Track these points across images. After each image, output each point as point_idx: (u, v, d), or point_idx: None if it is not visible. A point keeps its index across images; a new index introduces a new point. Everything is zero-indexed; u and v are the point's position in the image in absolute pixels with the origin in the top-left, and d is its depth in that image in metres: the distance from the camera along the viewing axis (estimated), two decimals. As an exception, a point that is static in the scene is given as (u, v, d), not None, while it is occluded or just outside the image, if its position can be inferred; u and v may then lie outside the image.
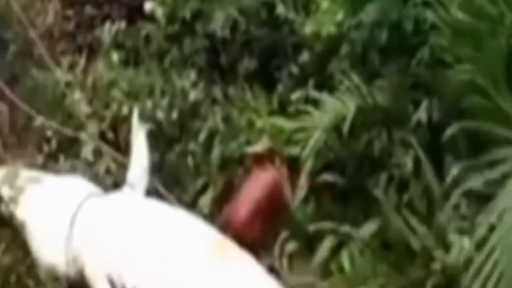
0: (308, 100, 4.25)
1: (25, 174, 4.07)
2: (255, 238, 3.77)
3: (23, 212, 3.94)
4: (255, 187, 4.01)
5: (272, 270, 3.66)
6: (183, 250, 3.39)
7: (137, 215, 3.66)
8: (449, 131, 3.58)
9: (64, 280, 3.73)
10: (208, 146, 4.48)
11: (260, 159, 4.12)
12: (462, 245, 3.15)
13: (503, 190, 3.16)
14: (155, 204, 3.78)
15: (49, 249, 3.78)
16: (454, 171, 3.49)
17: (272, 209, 3.92)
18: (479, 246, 3.08)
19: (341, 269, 3.60)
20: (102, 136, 4.67)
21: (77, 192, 3.90)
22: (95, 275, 3.56)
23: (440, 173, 3.59)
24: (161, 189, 4.16)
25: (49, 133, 4.72)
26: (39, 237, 3.83)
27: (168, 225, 3.55)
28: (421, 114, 3.84)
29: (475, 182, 3.33)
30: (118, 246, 3.53)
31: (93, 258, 3.58)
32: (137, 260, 3.45)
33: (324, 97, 4.12)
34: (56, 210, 3.83)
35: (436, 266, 3.22)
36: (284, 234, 3.87)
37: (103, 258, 3.53)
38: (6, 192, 4.00)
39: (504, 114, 3.45)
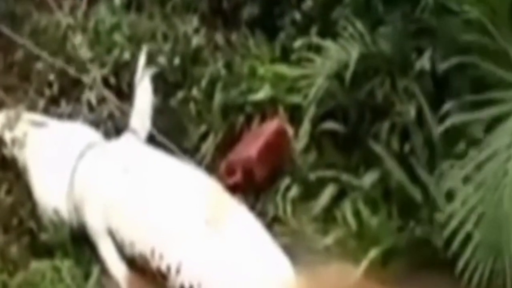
0: (311, 47, 4.16)
1: (27, 117, 4.01)
2: (264, 176, 3.80)
3: (25, 155, 3.90)
4: (262, 130, 4.01)
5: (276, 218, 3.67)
6: (183, 214, 3.34)
7: (138, 166, 3.60)
8: (447, 64, 3.49)
9: (67, 226, 3.71)
10: (210, 92, 4.40)
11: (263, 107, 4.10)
12: (467, 193, 3.07)
13: (496, 131, 3.11)
14: (155, 154, 3.72)
15: (51, 195, 3.76)
16: (448, 105, 3.41)
17: (278, 151, 3.91)
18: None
19: (344, 219, 3.56)
20: (104, 81, 4.59)
21: (79, 139, 3.86)
22: (96, 228, 3.55)
23: (442, 122, 3.53)
24: (161, 137, 4.08)
25: (51, 76, 4.64)
26: (41, 182, 3.81)
27: (169, 182, 3.50)
28: (424, 62, 3.76)
29: (468, 117, 3.25)
30: (117, 197, 3.49)
31: (93, 210, 3.55)
32: (134, 212, 3.42)
33: (327, 44, 4.03)
34: (58, 156, 3.79)
35: (440, 216, 3.17)
36: (286, 181, 3.84)
37: (103, 211, 3.50)
38: (8, 135, 3.95)
39: (505, 55, 3.36)
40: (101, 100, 4.50)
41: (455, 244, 3.00)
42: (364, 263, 3.31)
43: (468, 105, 3.44)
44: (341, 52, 3.90)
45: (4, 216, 3.85)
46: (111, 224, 3.47)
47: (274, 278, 3.20)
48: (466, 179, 3.12)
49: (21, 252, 3.72)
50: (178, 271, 3.24)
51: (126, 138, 3.88)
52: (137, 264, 3.44)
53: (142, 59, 4.09)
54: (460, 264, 2.99)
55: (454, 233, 3.03)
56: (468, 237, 3.01)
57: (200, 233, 3.27)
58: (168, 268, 3.26)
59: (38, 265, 3.63)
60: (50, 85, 4.64)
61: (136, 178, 3.53)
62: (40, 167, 3.84)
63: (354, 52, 3.82)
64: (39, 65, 4.71)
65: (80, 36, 4.76)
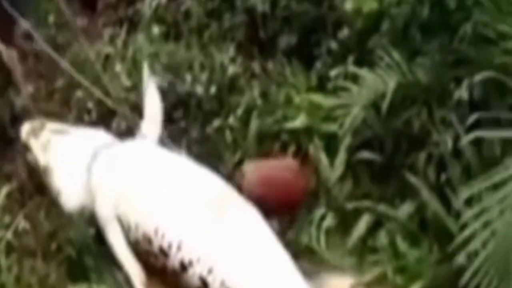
0: (347, 76, 4.15)
1: (50, 126, 4.24)
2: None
3: (47, 159, 4.10)
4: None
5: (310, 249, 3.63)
6: (186, 199, 3.56)
7: (146, 161, 3.83)
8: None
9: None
10: (245, 120, 4.40)
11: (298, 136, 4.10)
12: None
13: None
14: (165, 153, 3.95)
15: (70, 192, 3.95)
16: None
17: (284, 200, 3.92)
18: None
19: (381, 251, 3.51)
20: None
21: (95, 140, 4.09)
22: (106, 216, 3.75)
23: (480, 152, 3.47)
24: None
25: (90, 104, 4.70)
26: (62, 181, 4.00)
27: (175, 173, 3.74)
28: (463, 92, 3.71)
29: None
30: (127, 188, 3.72)
31: (104, 200, 3.77)
32: (141, 199, 3.65)
33: (364, 73, 4.00)
34: (76, 156, 4.02)
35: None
36: (321, 211, 3.80)
37: (113, 200, 3.73)
38: (33, 141, 4.17)
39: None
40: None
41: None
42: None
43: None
44: (377, 82, 3.87)
45: (43, 241, 3.89)
46: (120, 210, 3.70)
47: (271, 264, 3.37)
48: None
49: (59, 278, 3.75)
50: (179, 248, 3.45)
51: (137, 140, 4.11)
52: (140, 250, 3.63)
53: (145, 69, 4.27)
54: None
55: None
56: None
57: (201, 215, 3.48)
58: (170, 246, 3.47)
59: (74, 289, 3.65)
60: (89, 112, 4.70)
61: (145, 171, 3.77)
62: (61, 167, 4.05)
63: (391, 82, 3.80)
64: (79, 93, 4.78)
65: (119, 64, 4.83)
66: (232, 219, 3.48)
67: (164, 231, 3.51)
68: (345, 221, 3.72)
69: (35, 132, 4.18)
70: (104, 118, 4.65)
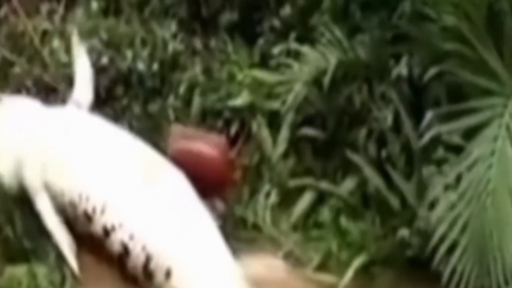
0: (289, 53, 4.13)
1: None
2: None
3: None
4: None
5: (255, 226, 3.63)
6: (112, 163, 3.59)
7: (73, 127, 3.80)
8: (428, 74, 3.47)
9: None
10: (188, 98, 4.35)
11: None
12: (450, 200, 3.04)
13: (477, 140, 3.09)
14: (95, 119, 3.90)
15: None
16: (428, 115, 3.40)
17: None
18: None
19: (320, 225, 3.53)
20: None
21: (24, 108, 4.01)
22: (34, 184, 3.71)
23: (419, 128, 3.51)
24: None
25: (28, 82, 4.56)
26: None
27: (101, 138, 3.73)
28: (402, 69, 3.74)
29: (449, 127, 3.24)
30: (54, 154, 3.70)
31: (31, 168, 3.73)
32: (68, 164, 3.65)
33: (305, 50, 3.99)
34: (3, 125, 3.95)
35: (420, 224, 3.12)
36: (265, 188, 3.79)
37: (40, 167, 3.70)
38: None
39: (483, 63, 3.35)
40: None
41: (441, 252, 2.96)
42: (350, 272, 3.25)
43: (446, 114, 3.42)
44: (319, 59, 3.87)
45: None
46: (47, 178, 3.68)
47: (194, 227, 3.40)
48: (448, 187, 3.09)
49: (-4, 258, 3.66)
50: (102, 212, 3.47)
51: (68, 106, 4.04)
52: (67, 217, 3.63)
53: (75, 37, 4.25)
54: (447, 272, 2.95)
55: (441, 240, 2.99)
56: (454, 245, 2.97)
57: (126, 178, 3.51)
58: (94, 210, 3.49)
59: (13, 271, 3.55)
60: (27, 90, 4.55)
61: (73, 137, 3.76)
62: None
63: (332, 59, 3.80)
64: (16, 70, 4.63)
65: (57, 40, 4.69)
66: (158, 185, 3.48)
67: (88, 194, 3.52)
68: (289, 198, 3.73)
69: None
70: (42, 94, 4.51)
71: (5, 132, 3.91)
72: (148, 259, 3.36)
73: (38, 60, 4.63)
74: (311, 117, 3.95)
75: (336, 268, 3.30)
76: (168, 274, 3.32)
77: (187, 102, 4.33)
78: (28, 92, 4.51)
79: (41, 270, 3.54)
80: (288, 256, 3.47)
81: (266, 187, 3.80)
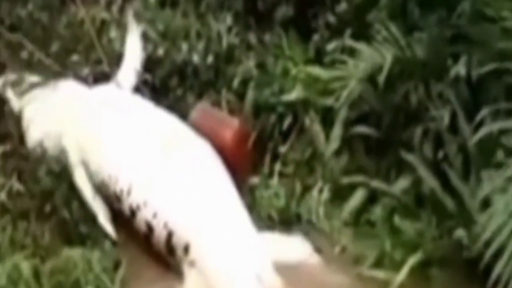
0: (344, 50, 4.08)
1: (28, 78, 4.32)
2: None
3: (21, 108, 4.21)
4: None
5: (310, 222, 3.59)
6: (140, 142, 3.66)
7: (109, 107, 3.91)
8: (483, 70, 3.38)
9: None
10: (242, 92, 4.33)
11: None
12: (504, 202, 2.95)
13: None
14: (134, 99, 4.02)
15: (41, 137, 3.98)
16: (482, 112, 3.31)
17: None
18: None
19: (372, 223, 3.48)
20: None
21: (66, 90, 4.17)
22: (73, 159, 3.84)
23: (477, 129, 3.43)
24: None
25: (86, 71, 4.60)
26: (34, 127, 4.08)
27: (132, 117, 3.82)
28: (460, 68, 3.65)
29: (504, 125, 3.15)
30: (89, 131, 3.83)
31: (71, 144, 3.86)
32: (100, 149, 3.74)
33: (361, 47, 3.93)
34: (47, 106, 4.11)
35: (477, 229, 3.04)
36: (319, 183, 3.76)
37: (79, 144, 3.83)
38: (10, 94, 4.28)
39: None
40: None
41: (488, 255, 2.89)
42: (405, 270, 3.19)
43: (504, 113, 3.34)
44: (375, 55, 3.80)
45: (37, 202, 3.82)
46: (83, 156, 3.80)
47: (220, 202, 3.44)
48: (504, 189, 3.01)
49: (53, 239, 3.69)
50: (129, 193, 3.54)
51: (109, 86, 4.15)
52: (103, 195, 3.73)
53: (130, 16, 4.34)
54: (493, 276, 2.88)
55: (488, 244, 2.92)
56: (502, 248, 2.90)
57: (152, 156, 3.57)
58: (121, 191, 3.57)
59: (69, 253, 3.59)
60: (84, 78, 4.60)
61: (107, 116, 3.86)
62: (34, 116, 4.14)
63: (389, 56, 3.73)
64: (74, 58, 4.67)
65: (114, 30, 4.73)
66: (183, 160, 3.55)
67: (116, 175, 3.61)
68: (341, 195, 3.68)
69: (11, 84, 4.24)
70: (98, 83, 4.55)
71: (49, 112, 4.06)
72: (169, 235, 3.42)
73: (96, 49, 4.67)
74: (365, 114, 3.89)
75: (390, 266, 3.24)
76: (186, 248, 3.36)
77: (241, 95, 4.31)
78: (85, 80, 4.56)
79: (95, 255, 3.57)
80: (343, 253, 3.43)
81: (319, 183, 3.77)
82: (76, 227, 3.77)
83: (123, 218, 3.67)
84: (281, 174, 3.96)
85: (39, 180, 3.91)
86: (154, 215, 3.45)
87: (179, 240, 3.39)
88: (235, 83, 4.35)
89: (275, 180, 3.92)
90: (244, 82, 4.34)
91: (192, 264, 3.35)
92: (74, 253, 3.60)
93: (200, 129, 3.89)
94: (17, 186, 3.92)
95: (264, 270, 3.27)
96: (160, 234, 3.44)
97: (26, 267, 3.50)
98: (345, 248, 3.43)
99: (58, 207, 3.83)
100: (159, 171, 3.52)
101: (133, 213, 3.52)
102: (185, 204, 3.44)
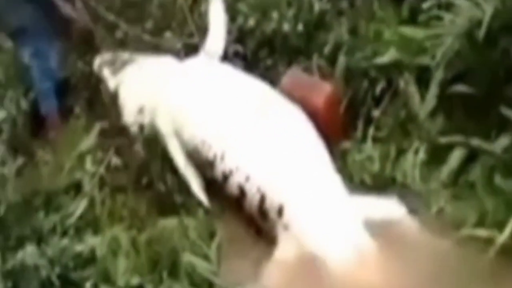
0: (441, 7, 3.86)
1: (121, 56, 4.46)
2: None
3: (116, 85, 4.34)
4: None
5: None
6: (232, 108, 3.67)
7: (200, 77, 3.95)
8: None
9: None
10: (333, 58, 4.21)
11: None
12: None
13: None
14: (224, 68, 4.03)
15: (134, 112, 4.11)
16: None
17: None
18: None
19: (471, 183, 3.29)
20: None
21: (161, 62, 4.27)
22: (166, 131, 3.89)
23: None
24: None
25: (178, 45, 4.63)
26: (129, 102, 4.20)
27: (223, 84, 3.83)
28: None
29: None
30: (181, 104, 3.85)
31: (164, 116, 3.91)
32: (192, 117, 3.77)
33: (459, 1, 3.70)
34: (140, 80, 4.23)
35: None
36: (414, 145, 3.60)
37: (171, 115, 3.87)
38: (105, 72, 4.41)
39: None
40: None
41: None
42: (508, 228, 2.97)
43: None
44: (473, 9, 3.57)
45: (134, 176, 3.89)
46: (176, 125, 3.85)
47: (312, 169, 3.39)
48: None
49: (149, 211, 3.74)
50: (222, 158, 3.54)
51: (198, 57, 4.20)
52: (195, 163, 3.78)
53: None
54: None
55: None
56: None
57: (243, 123, 3.57)
58: (215, 156, 3.56)
59: (165, 223, 3.63)
60: (177, 53, 4.63)
61: (199, 85, 3.90)
62: (128, 90, 4.26)
63: (489, 8, 3.48)
64: (167, 35, 4.72)
65: (205, 5, 4.73)
66: (276, 124, 3.54)
67: (210, 142, 3.62)
68: (438, 156, 3.50)
69: (107, 63, 4.36)
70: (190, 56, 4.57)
71: (143, 87, 4.14)
72: (262, 199, 3.39)
73: (187, 24, 4.70)
74: (462, 72, 3.68)
75: (491, 227, 3.05)
76: (280, 211, 3.33)
77: (332, 61, 4.19)
78: (178, 55, 4.59)
79: (191, 223, 3.59)
80: (440, 215, 3.27)
81: (414, 145, 3.60)
82: (171, 198, 3.81)
83: (216, 186, 3.67)
84: (375, 139, 3.82)
85: (135, 154, 3.97)
86: (247, 179, 3.44)
87: (272, 203, 3.36)
88: (326, 49, 4.24)
89: (368, 145, 3.79)
90: (336, 48, 4.21)
91: (286, 227, 3.32)
92: (170, 223, 3.63)
93: (291, 95, 3.82)
94: (115, 160, 4.01)
95: (357, 233, 3.22)
96: (253, 198, 3.43)
97: (124, 238, 3.57)
98: (442, 210, 3.26)
99: (153, 179, 3.88)
100: (251, 136, 3.53)
101: (225, 178, 3.53)
102: (278, 167, 3.42)
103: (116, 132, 4.16)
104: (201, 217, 3.67)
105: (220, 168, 3.54)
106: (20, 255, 3.38)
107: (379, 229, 3.16)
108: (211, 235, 3.57)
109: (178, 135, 3.84)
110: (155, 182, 3.87)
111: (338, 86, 3.97)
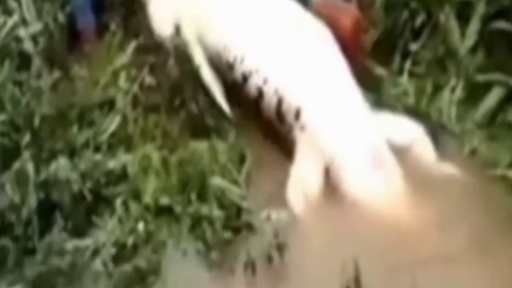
0: None
1: None
2: None
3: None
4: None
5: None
6: (259, 16, 3.69)
7: None
8: None
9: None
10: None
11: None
12: None
13: None
14: None
15: (163, 21, 4.02)
16: None
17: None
18: None
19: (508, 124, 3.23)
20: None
21: None
22: (191, 39, 3.86)
23: None
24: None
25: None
26: (156, 11, 4.10)
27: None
28: None
29: None
30: (207, 9, 3.84)
31: (189, 26, 3.87)
32: (215, 22, 3.80)
33: None
34: None
35: None
36: (451, 82, 3.52)
37: (195, 24, 3.86)
38: None
39: None
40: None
41: None
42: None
43: None
44: None
45: (167, 96, 3.87)
46: (200, 31, 3.85)
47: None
48: None
49: (181, 132, 3.74)
50: (242, 60, 3.61)
51: None
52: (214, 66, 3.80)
53: None
54: None
55: None
56: None
57: (264, 28, 3.64)
58: (235, 59, 3.63)
59: (196, 145, 3.63)
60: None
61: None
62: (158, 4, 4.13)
63: None
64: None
65: None
66: (299, 36, 3.56)
67: (231, 46, 3.67)
68: (475, 94, 3.44)
69: None
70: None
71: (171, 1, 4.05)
72: (280, 101, 3.48)
73: None
74: (505, 8, 3.56)
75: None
76: (297, 114, 3.41)
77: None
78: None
79: (221, 147, 3.59)
80: (473, 155, 3.23)
81: (451, 81, 3.53)
82: (203, 120, 3.79)
83: (235, 90, 3.71)
84: (411, 73, 3.75)
85: (169, 74, 3.94)
86: (265, 81, 3.53)
87: (289, 105, 3.45)
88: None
89: (404, 78, 3.73)
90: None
91: (303, 128, 3.41)
92: (201, 145, 3.63)
93: (320, 13, 3.75)
94: (148, 79, 3.98)
95: (376, 143, 3.28)
96: (270, 100, 3.52)
97: (155, 157, 3.57)
98: (475, 151, 3.22)
99: (186, 100, 3.86)
100: (271, 40, 3.59)
101: (244, 79, 3.62)
102: (295, 72, 3.50)
103: (150, 49, 4.11)
104: (232, 141, 3.65)
105: (240, 69, 3.62)
106: (53, 167, 3.41)
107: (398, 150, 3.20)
108: (241, 159, 3.57)
109: (201, 40, 3.86)
110: (188, 103, 3.84)
111: (362, 9, 3.89)
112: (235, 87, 3.71)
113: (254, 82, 3.57)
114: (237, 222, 3.31)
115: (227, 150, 3.58)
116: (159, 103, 3.89)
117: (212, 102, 3.84)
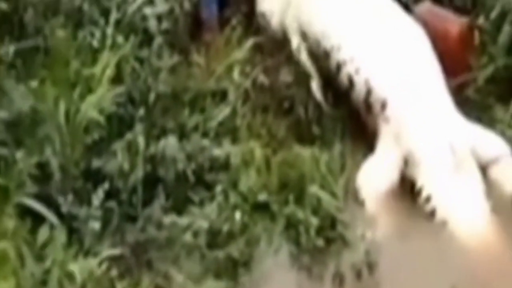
0: None
1: None
2: None
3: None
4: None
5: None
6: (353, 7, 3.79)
7: None
8: None
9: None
10: (498, 24, 3.99)
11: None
12: None
13: None
14: None
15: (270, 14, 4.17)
16: None
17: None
18: None
19: None
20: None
21: None
22: (291, 28, 3.99)
23: None
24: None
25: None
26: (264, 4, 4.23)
27: None
28: None
29: None
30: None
31: (291, 16, 3.99)
32: (315, 11, 3.87)
33: None
34: None
35: None
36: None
37: (298, 16, 3.95)
38: None
39: None
40: None
41: None
42: None
43: None
44: None
45: (277, 97, 3.86)
46: (301, 19, 3.94)
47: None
48: None
49: (286, 135, 3.73)
50: (338, 49, 3.68)
51: None
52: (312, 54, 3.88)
53: None
54: None
55: None
56: None
57: (362, 19, 3.73)
58: (332, 47, 3.71)
59: (299, 150, 3.60)
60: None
61: None
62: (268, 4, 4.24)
63: None
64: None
65: None
66: (394, 28, 3.66)
67: (329, 33, 3.73)
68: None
69: None
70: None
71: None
72: (368, 92, 3.55)
73: None
74: None
75: None
76: (383, 105, 3.48)
77: (497, 28, 3.98)
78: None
79: (323, 157, 3.55)
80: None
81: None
82: (309, 127, 3.77)
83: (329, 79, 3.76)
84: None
85: (282, 76, 3.93)
86: (357, 71, 3.59)
87: (377, 96, 3.51)
88: (493, 14, 4.01)
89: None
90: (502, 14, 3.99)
91: (387, 120, 3.46)
92: (304, 151, 3.60)
93: (424, 23, 3.76)
94: (261, 78, 3.98)
95: (460, 148, 3.29)
96: (360, 90, 3.57)
97: (259, 153, 3.56)
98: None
99: (296, 105, 3.85)
100: (369, 33, 3.66)
101: (338, 68, 3.66)
102: (387, 65, 3.56)
103: (267, 50, 4.11)
104: (336, 153, 3.61)
105: (335, 58, 3.67)
106: (162, 144, 3.45)
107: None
108: (342, 168, 3.53)
109: (301, 28, 3.92)
110: (296, 108, 3.82)
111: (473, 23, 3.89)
112: (329, 78, 3.78)
113: (347, 71, 3.62)
114: (331, 232, 3.27)
115: (329, 161, 3.54)
116: (268, 103, 3.90)
117: (321, 112, 3.82)
